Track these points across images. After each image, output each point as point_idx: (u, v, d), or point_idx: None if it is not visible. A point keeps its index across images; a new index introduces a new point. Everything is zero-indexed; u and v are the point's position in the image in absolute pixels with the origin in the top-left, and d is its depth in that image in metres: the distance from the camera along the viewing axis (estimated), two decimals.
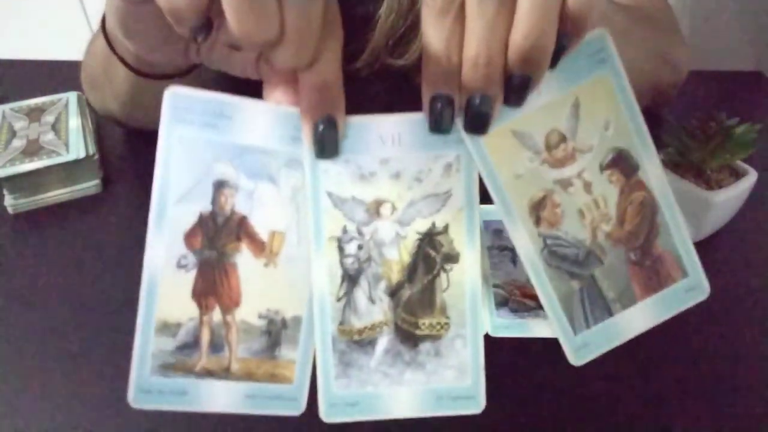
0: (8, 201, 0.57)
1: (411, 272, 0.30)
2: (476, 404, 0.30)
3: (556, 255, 0.30)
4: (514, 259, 0.51)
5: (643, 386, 0.43)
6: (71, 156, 0.58)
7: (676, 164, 0.52)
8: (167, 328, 0.29)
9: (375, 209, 0.30)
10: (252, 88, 0.30)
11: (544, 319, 0.46)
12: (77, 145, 0.59)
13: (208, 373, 0.30)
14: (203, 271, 0.30)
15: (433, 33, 0.27)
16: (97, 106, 0.64)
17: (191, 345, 0.30)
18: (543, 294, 0.30)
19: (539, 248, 0.30)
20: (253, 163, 0.29)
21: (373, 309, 0.30)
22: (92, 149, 0.59)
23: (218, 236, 0.30)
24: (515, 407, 0.41)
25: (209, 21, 0.26)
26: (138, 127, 0.63)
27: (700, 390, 0.42)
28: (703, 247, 0.53)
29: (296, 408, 0.30)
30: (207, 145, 0.29)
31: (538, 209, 0.30)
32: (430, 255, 0.30)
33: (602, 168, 0.30)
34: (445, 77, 0.27)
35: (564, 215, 0.30)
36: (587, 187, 0.30)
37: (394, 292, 0.30)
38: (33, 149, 0.59)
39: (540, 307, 0.42)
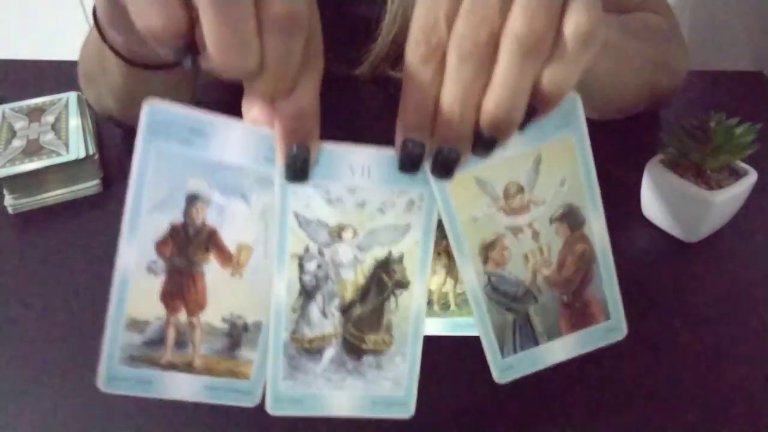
0: (8, 201, 0.57)
1: (364, 293, 0.33)
2: (407, 410, 0.34)
3: (497, 290, 0.34)
4: None
5: (641, 386, 0.43)
6: (71, 156, 0.58)
7: (676, 164, 0.52)
8: (135, 325, 0.31)
9: (337, 233, 0.32)
10: (237, 92, 0.30)
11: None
12: (77, 145, 0.59)
13: (172, 366, 0.32)
14: (172, 277, 0.31)
15: (413, 78, 0.28)
16: (93, 103, 0.64)
17: (157, 341, 0.32)
18: (479, 321, 0.34)
19: (483, 283, 0.33)
20: (227, 180, 0.31)
21: (325, 322, 0.33)
22: (92, 149, 0.59)
23: (188, 246, 0.31)
24: (515, 407, 0.41)
25: (193, 45, 0.26)
26: (135, 126, 0.63)
27: (699, 390, 0.42)
28: (703, 247, 0.53)
29: (251, 401, 0.33)
30: (182, 159, 0.30)
31: (488, 250, 0.33)
32: (384, 280, 0.33)
33: (551, 220, 0.34)
34: (419, 123, 0.29)
35: (510, 257, 0.34)
36: (535, 235, 0.34)
37: (345, 309, 0.33)
38: (33, 149, 0.59)
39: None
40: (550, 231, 0.34)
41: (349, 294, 0.33)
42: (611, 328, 0.36)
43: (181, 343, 0.32)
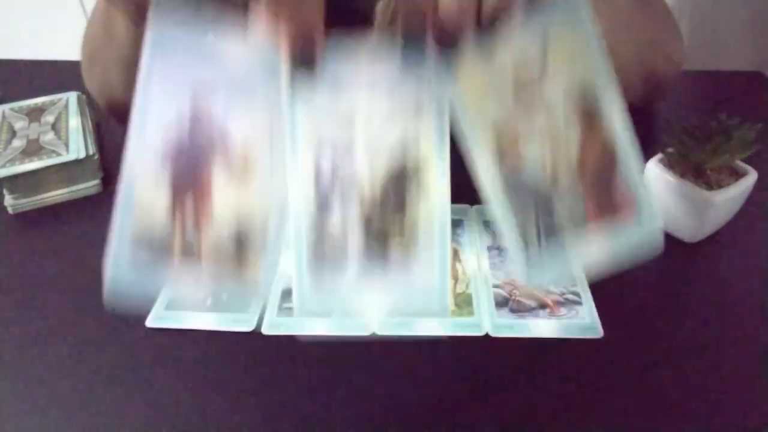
0: (8, 201, 0.57)
1: (384, 201, 0.32)
2: (443, 311, 0.33)
3: (515, 187, 0.32)
4: None
5: (641, 386, 0.43)
6: (71, 156, 0.58)
7: (676, 164, 0.52)
8: (142, 232, 0.31)
9: (349, 118, 0.31)
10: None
11: (544, 319, 0.46)
12: (77, 145, 0.59)
13: (180, 272, 0.32)
14: (179, 180, 0.31)
15: None
16: (98, 86, 0.63)
17: (165, 248, 0.31)
18: (502, 221, 0.32)
19: (501, 181, 0.32)
20: (232, 82, 0.31)
21: (346, 232, 0.32)
22: (92, 149, 0.60)
23: (195, 147, 0.31)
24: (514, 408, 0.41)
25: None
26: None
27: (699, 390, 0.42)
28: (703, 247, 0.53)
29: (258, 301, 0.35)
30: (188, 66, 0.31)
31: (503, 146, 0.32)
32: (402, 185, 0.32)
33: (567, 114, 0.32)
34: (420, 11, 0.30)
35: (527, 154, 0.32)
36: (552, 129, 0.32)
37: (366, 217, 0.32)
38: (33, 149, 0.59)
39: (540, 307, 0.45)
40: (567, 124, 0.32)
41: (368, 204, 0.32)
42: (643, 228, 0.32)
43: (187, 249, 0.31)
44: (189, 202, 0.31)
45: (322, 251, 0.31)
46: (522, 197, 0.32)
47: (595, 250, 0.32)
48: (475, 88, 0.31)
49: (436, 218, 0.32)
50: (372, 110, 0.31)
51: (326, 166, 0.31)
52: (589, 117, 0.32)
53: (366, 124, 0.31)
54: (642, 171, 0.32)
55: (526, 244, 0.32)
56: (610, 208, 0.32)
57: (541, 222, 0.32)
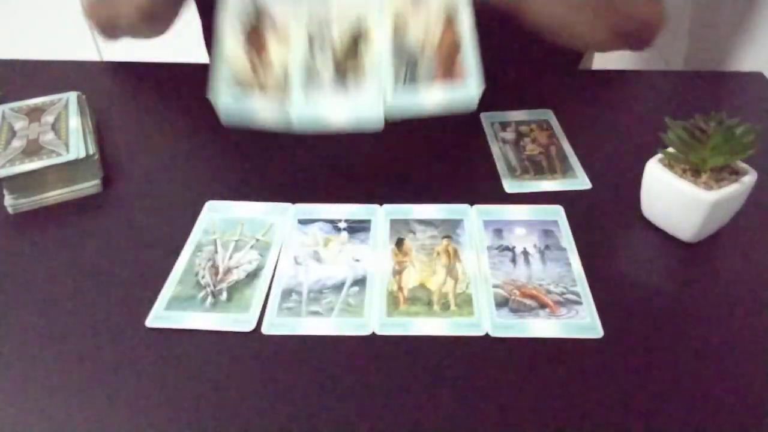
0: (8, 201, 0.57)
1: (347, 50, 0.55)
2: (378, 122, 0.54)
3: (399, 48, 0.55)
4: (514, 259, 0.51)
5: (641, 387, 0.43)
6: (71, 156, 0.58)
7: (676, 164, 0.52)
8: (232, 75, 0.54)
9: (328, 7, 0.56)
10: None
11: (544, 319, 0.46)
12: (77, 145, 0.59)
13: (259, 100, 0.54)
14: (249, 42, 0.55)
15: None
16: (106, 19, 0.65)
17: (248, 86, 0.54)
18: (385, 66, 0.54)
19: (392, 44, 0.55)
20: None
21: (324, 64, 0.55)
22: (92, 149, 0.60)
23: (258, 24, 0.56)
24: (514, 407, 0.41)
25: None
26: (155, 24, 0.72)
27: (699, 390, 0.42)
28: (703, 247, 0.53)
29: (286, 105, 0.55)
30: None
31: (398, 25, 0.56)
32: (357, 42, 0.56)
33: (438, 15, 0.56)
34: None
35: (410, 32, 0.55)
36: (427, 22, 0.56)
37: (336, 61, 0.55)
38: (33, 149, 0.59)
39: (540, 307, 0.46)
40: (436, 22, 0.55)
41: (338, 50, 0.55)
42: (463, 94, 0.54)
43: (261, 86, 0.55)
44: (255, 55, 0.55)
45: (312, 76, 0.55)
46: (401, 55, 0.55)
47: (436, 97, 0.54)
48: None
49: (377, 61, 0.55)
50: (342, 6, 0.56)
51: (315, 33, 0.56)
52: (450, 20, 0.55)
53: (339, 12, 0.56)
54: (475, 56, 0.54)
55: (396, 81, 0.54)
56: (450, 75, 0.54)
57: (408, 72, 0.54)
